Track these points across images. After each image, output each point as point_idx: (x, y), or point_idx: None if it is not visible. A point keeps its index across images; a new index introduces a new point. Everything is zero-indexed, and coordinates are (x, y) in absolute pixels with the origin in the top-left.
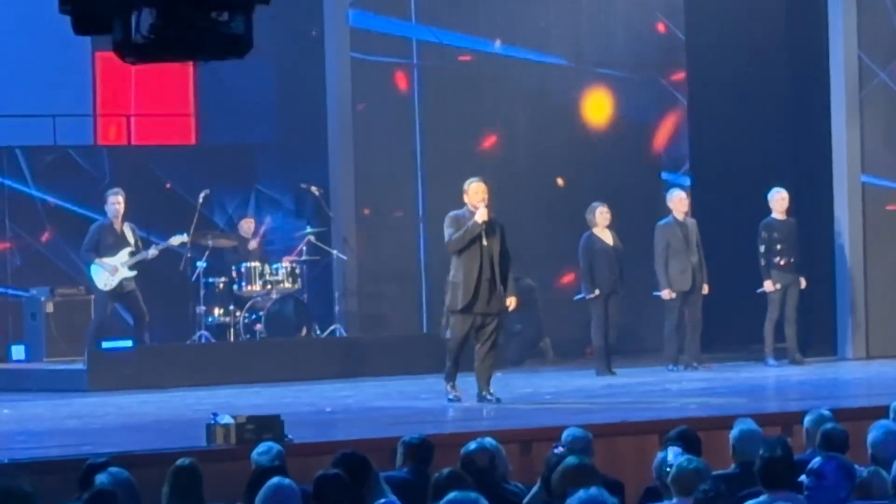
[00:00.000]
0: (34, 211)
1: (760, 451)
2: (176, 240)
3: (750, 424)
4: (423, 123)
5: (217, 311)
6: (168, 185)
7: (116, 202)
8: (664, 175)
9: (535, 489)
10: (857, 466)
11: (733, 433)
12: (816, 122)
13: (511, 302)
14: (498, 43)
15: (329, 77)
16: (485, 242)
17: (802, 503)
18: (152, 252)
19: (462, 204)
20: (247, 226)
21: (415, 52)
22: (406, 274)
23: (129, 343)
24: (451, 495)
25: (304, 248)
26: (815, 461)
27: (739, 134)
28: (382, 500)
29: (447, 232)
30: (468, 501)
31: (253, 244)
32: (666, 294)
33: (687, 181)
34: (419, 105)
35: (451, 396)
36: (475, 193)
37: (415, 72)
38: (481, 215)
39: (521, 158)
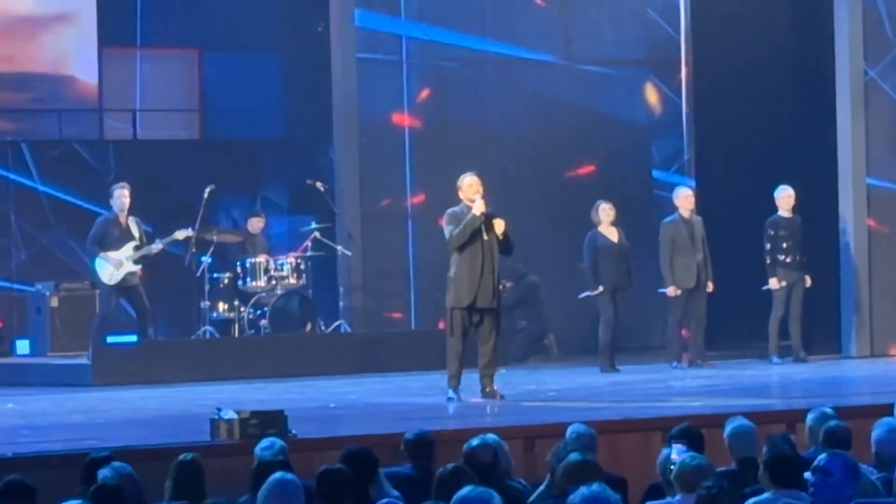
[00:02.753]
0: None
1: (766, 449)
2: (181, 234)
3: (742, 421)
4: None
5: (222, 307)
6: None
7: (122, 196)
8: (655, 173)
9: (542, 487)
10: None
11: (726, 432)
12: (822, 120)
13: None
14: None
15: (335, 74)
16: (485, 237)
17: (807, 500)
18: (157, 246)
19: (458, 201)
20: (257, 224)
21: (405, 51)
22: (409, 270)
23: (133, 338)
24: (466, 491)
25: (310, 244)
26: (821, 458)
27: (745, 131)
28: (385, 500)
29: (447, 229)
30: (482, 498)
31: (263, 257)
32: (671, 291)
33: (678, 179)
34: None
35: (450, 395)
36: (470, 187)
37: (404, 68)
38: (479, 207)
39: (515, 156)
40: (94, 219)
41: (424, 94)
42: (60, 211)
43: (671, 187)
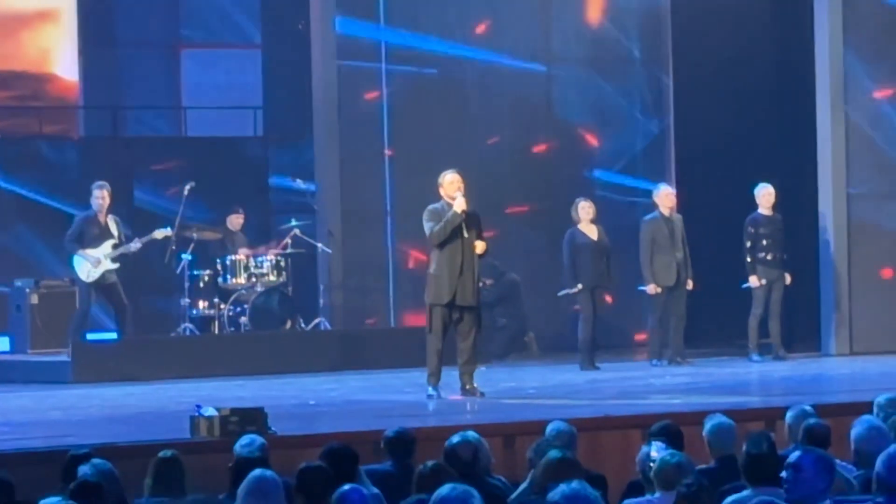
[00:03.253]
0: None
1: (745, 447)
2: (159, 233)
3: (721, 419)
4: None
5: (202, 304)
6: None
7: (101, 196)
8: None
9: (524, 485)
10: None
11: (706, 429)
12: (802, 118)
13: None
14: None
15: (315, 73)
16: (465, 235)
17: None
18: (135, 245)
19: (438, 198)
20: (236, 220)
21: (385, 57)
22: (390, 267)
23: (113, 335)
24: (446, 490)
25: (290, 241)
26: (794, 454)
27: (725, 130)
28: (347, 486)
29: (427, 226)
30: (462, 497)
31: (243, 253)
32: (651, 289)
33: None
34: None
35: (430, 392)
36: (450, 184)
37: (383, 77)
38: (459, 205)
39: (495, 154)
40: (69, 218)
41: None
42: (25, 209)
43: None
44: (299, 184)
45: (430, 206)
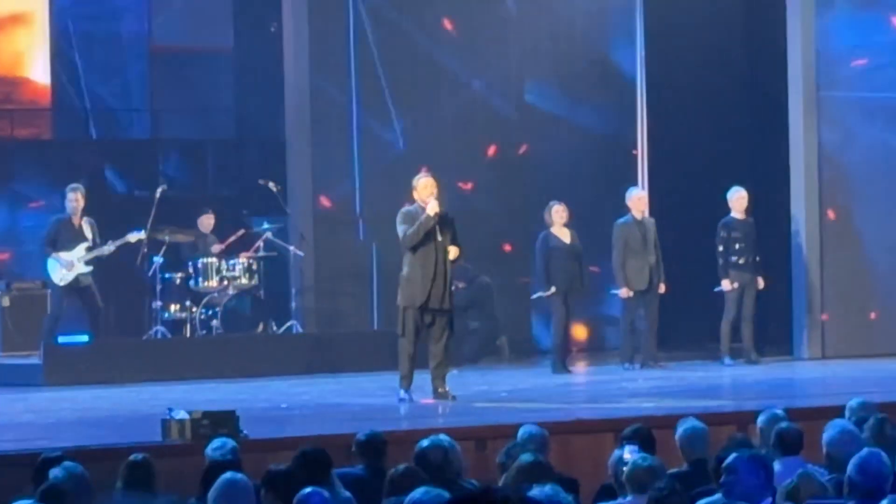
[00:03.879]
0: None
1: (720, 451)
2: (133, 236)
3: (694, 423)
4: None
5: (173, 307)
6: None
7: (75, 199)
8: None
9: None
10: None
11: (678, 433)
12: (775, 122)
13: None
14: None
15: (287, 75)
16: (439, 238)
17: None
18: (109, 248)
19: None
20: (207, 221)
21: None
22: (362, 270)
23: (85, 338)
24: (419, 494)
25: (262, 244)
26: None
27: (698, 133)
28: (308, 489)
29: (400, 228)
30: (435, 499)
31: (216, 248)
32: (623, 293)
33: None
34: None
35: (402, 396)
36: (424, 188)
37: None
38: (432, 208)
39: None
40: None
41: None
42: None
43: None
44: (271, 187)
45: (404, 209)
